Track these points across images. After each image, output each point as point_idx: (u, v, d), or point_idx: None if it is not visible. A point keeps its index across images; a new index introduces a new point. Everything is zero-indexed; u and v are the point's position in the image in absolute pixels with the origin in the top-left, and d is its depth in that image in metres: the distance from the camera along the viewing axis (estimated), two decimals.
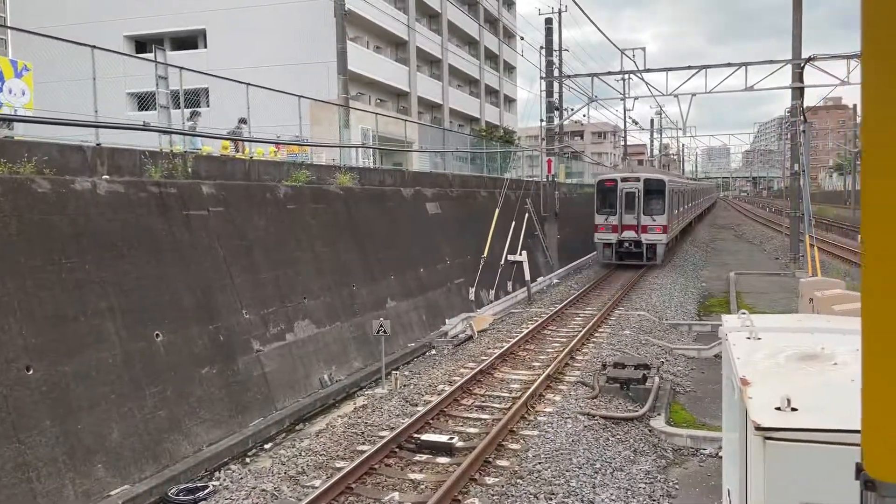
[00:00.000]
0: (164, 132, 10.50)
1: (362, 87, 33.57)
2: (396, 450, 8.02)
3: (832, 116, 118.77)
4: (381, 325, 11.29)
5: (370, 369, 12.18)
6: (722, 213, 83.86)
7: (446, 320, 16.20)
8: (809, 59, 21.51)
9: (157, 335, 8.51)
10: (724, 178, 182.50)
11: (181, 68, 11.03)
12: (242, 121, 13.85)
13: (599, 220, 24.16)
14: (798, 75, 22.41)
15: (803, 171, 22.29)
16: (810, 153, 25.09)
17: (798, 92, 22.80)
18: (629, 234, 23.85)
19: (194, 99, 13.26)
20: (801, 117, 22.62)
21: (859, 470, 1.33)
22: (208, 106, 16.43)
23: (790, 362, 3.05)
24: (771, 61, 23.20)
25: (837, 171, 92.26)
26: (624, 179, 24.29)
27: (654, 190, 23.71)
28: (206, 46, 28.28)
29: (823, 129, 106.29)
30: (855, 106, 55.83)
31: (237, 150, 13.56)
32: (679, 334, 14.91)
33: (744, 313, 3.94)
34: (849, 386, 2.57)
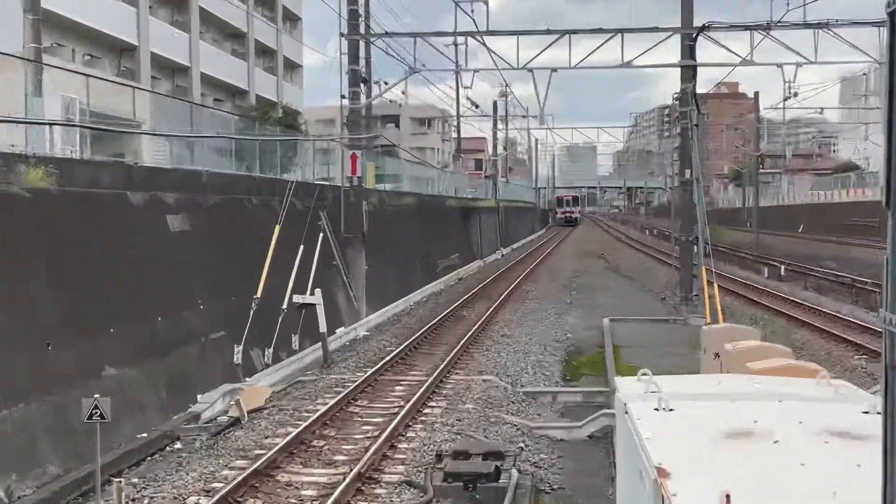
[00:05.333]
0: None
1: (63, 36, 32.13)
2: None
3: (725, 108, 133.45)
4: (96, 407, 10.73)
5: (76, 476, 11.80)
6: (589, 234, 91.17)
7: (199, 396, 16.03)
8: (703, 28, 23.62)
9: None
10: (590, 188, 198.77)
11: None
12: None
13: None
14: (689, 49, 24.67)
15: (697, 179, 24.97)
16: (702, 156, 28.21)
17: (689, 72, 25.19)
18: None
19: None
20: (693, 105, 25.15)
21: None
22: None
23: (719, 442, 3.21)
24: (655, 28, 25.55)
25: (734, 180, 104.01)
26: None
27: None
28: None
29: (716, 124, 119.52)
30: (757, 94, 62.88)
31: None
32: (540, 407, 15.84)
33: (646, 374, 4.28)
34: (799, 471, 2.73)
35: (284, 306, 19.58)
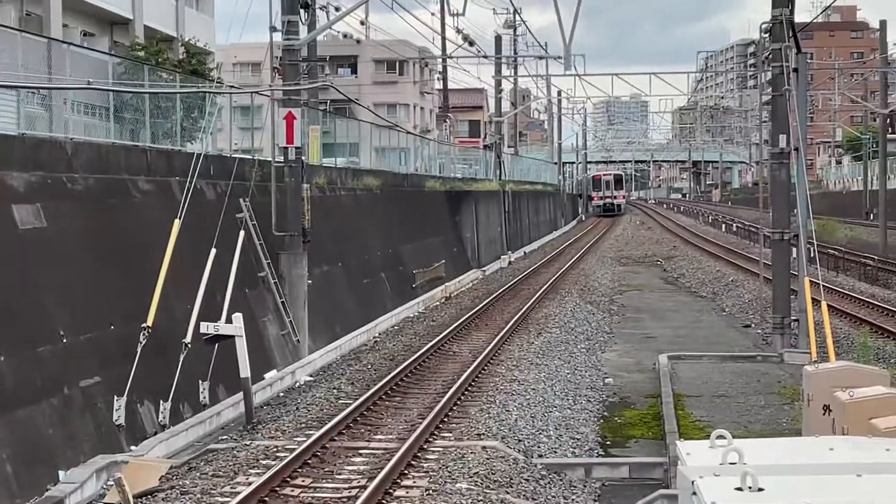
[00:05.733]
0: None
1: None
2: None
3: (837, 44, 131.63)
4: None
5: None
6: (638, 230, 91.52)
7: (61, 474, 15.90)
8: None
9: None
10: (638, 162, 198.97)
11: None
12: None
13: None
14: None
15: (797, 149, 24.93)
16: (805, 115, 28.16)
17: None
18: None
19: None
20: (791, 40, 25.21)
21: None
22: None
23: None
24: None
25: (851, 151, 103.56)
26: None
27: None
28: None
29: (825, 68, 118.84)
30: (884, 24, 60.78)
31: None
32: (566, 487, 15.73)
33: (722, 437, 4.32)
34: None
35: (188, 339, 19.45)
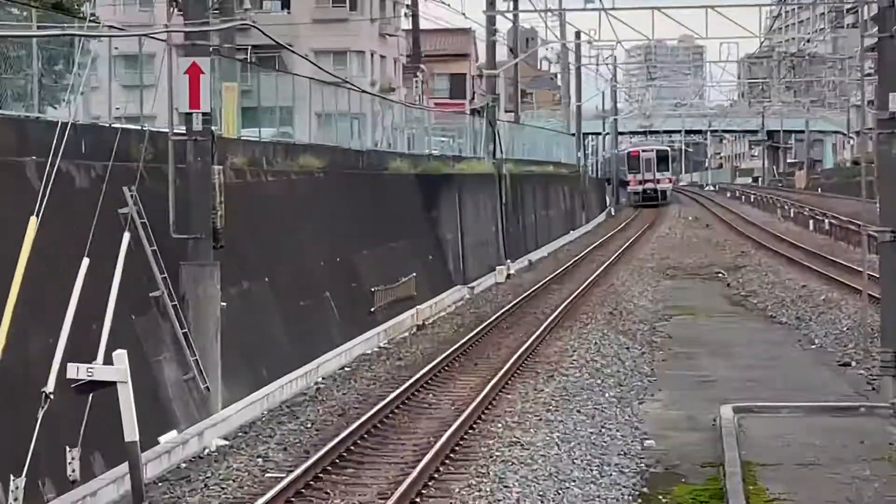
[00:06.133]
0: None
1: None
2: None
3: None
4: None
5: None
6: (689, 228, 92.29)
7: None
8: None
9: None
10: (690, 132, 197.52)
11: None
12: None
13: None
14: None
15: None
16: None
17: None
18: None
19: None
20: None
21: None
22: None
23: None
24: None
25: None
26: None
27: None
28: None
29: None
30: None
31: None
32: None
33: None
34: None
35: (50, 387, 19.21)
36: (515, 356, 31.73)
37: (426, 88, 75.87)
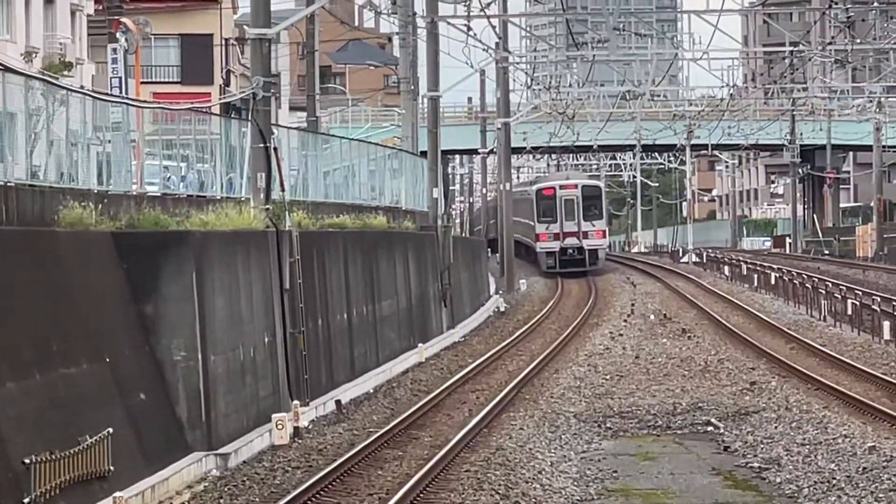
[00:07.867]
0: None
1: None
2: None
3: None
4: None
5: None
6: (653, 337, 70.23)
7: None
8: None
9: None
10: (650, 149, 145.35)
11: None
12: None
13: None
14: None
15: None
16: None
17: None
18: None
19: None
20: None
21: None
22: None
23: None
24: None
25: None
26: None
27: None
28: None
29: None
30: None
31: None
32: None
33: None
34: None
35: None
36: None
37: (134, 61, 55.48)
